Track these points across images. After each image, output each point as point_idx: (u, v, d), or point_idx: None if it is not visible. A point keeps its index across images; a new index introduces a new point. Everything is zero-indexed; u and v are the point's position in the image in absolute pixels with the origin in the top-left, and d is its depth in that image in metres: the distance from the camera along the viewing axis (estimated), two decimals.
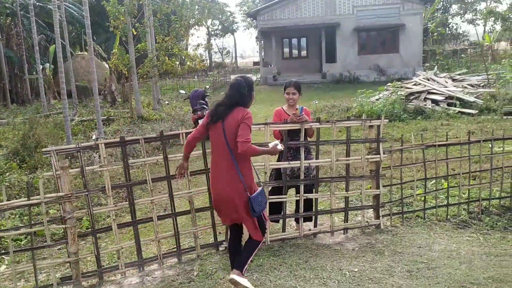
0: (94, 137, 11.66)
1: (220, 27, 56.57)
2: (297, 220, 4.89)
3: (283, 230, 4.67)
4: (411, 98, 14.31)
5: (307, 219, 4.90)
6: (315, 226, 4.79)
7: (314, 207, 4.77)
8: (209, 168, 4.39)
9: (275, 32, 26.11)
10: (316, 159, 4.73)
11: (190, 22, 15.41)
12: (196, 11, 15.93)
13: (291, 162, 4.63)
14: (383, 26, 24.98)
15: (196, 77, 32.42)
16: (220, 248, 4.50)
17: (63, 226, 3.86)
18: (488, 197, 5.45)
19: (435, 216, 5.22)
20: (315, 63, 27.72)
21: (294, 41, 28.48)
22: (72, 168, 3.94)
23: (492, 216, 5.24)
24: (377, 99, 14.57)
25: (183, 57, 17.56)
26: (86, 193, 3.99)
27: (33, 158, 9.38)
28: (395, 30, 25.14)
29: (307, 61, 28.21)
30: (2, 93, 21.71)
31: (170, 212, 4.32)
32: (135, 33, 15.16)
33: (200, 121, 10.74)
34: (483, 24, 39.10)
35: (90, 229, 4.16)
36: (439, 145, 5.16)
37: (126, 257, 4.51)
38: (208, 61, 56.38)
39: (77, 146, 3.92)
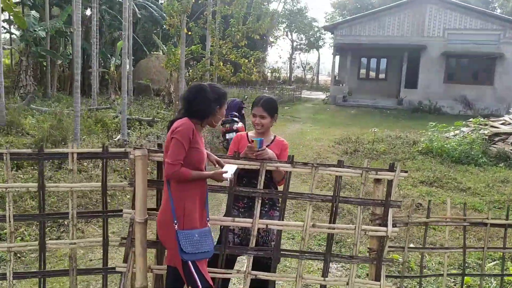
0: (117, 138, 10.73)
1: (306, 42, 55.25)
2: None
3: None
4: (496, 139, 11.74)
5: None
6: None
7: None
8: (107, 210, 2.98)
9: (352, 49, 24.06)
10: (280, 219, 3.04)
11: (248, 29, 14.13)
12: (258, 18, 14.64)
13: (237, 219, 3.00)
14: (477, 54, 21.89)
15: (266, 88, 31.29)
16: None
17: None
18: None
19: None
20: (393, 87, 25.09)
21: (373, 61, 26.11)
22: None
23: None
24: (452, 135, 12.20)
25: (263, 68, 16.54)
26: None
27: None
28: (491, 59, 21.93)
29: (384, 84, 25.67)
30: (69, 82, 22.00)
31: (38, 269, 2.87)
32: (189, 33, 14.33)
33: (228, 135, 9.31)
34: None
35: None
36: (493, 225, 3.20)
37: None
38: (288, 74, 55.45)
39: None
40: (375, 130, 12.48)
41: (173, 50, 13.72)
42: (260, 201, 2.99)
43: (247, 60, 15.70)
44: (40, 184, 2.82)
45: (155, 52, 28.20)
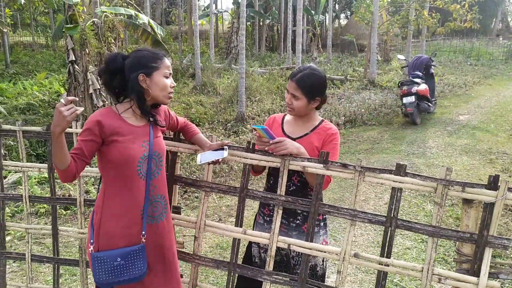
0: None
1: None
2: None
3: None
4: None
5: None
6: None
7: None
8: None
9: None
10: (307, 239, 2.11)
11: None
12: None
13: (251, 232, 2.23)
14: None
15: (500, 38, 25.94)
16: None
17: None
18: None
19: None
20: None
21: None
22: None
23: None
24: None
25: None
26: None
27: (226, 112, 9.49)
28: None
29: None
30: (278, 41, 22.68)
31: (52, 255, 2.71)
32: None
33: (405, 99, 7.96)
34: None
35: None
36: None
37: None
38: None
39: None
40: None
41: (361, 2, 12.40)
42: (280, 211, 2.13)
43: (459, 6, 13.21)
44: (50, 165, 2.60)
45: None
